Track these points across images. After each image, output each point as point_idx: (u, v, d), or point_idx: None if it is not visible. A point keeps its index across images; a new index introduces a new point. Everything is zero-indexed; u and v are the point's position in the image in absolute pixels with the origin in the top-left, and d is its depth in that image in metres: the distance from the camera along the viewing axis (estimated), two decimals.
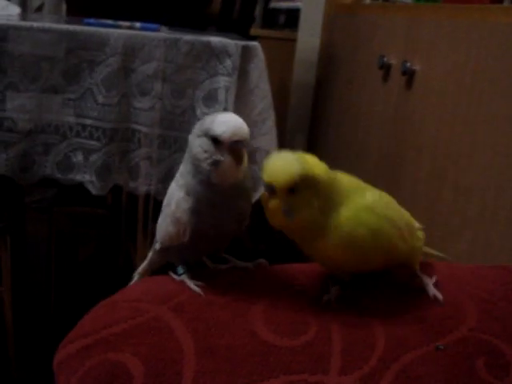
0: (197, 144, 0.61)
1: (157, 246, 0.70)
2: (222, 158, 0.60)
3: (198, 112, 1.29)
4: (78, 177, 1.28)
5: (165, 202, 0.67)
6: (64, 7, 2.26)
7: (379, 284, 0.67)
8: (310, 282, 0.67)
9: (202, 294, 0.63)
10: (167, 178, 1.32)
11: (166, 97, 1.29)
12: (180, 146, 1.31)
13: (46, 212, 1.84)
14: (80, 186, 1.30)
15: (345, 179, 0.63)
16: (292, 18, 2.49)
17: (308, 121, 2.30)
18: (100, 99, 1.26)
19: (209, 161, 0.60)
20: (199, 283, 0.64)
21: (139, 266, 0.75)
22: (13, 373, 1.49)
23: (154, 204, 1.44)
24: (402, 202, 0.65)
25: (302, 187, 0.57)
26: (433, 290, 0.64)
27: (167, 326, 0.57)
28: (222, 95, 1.29)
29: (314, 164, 0.59)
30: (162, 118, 1.29)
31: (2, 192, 1.46)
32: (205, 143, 0.60)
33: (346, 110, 1.94)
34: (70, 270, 1.91)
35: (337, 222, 0.59)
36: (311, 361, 0.54)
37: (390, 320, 0.60)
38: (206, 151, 0.60)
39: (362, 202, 0.60)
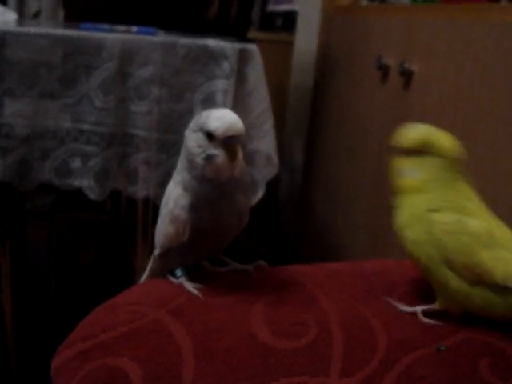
0: (192, 138, 0.61)
1: (156, 251, 0.70)
2: (215, 153, 0.60)
3: (196, 115, 1.29)
4: (77, 182, 1.28)
5: (163, 203, 0.67)
6: (61, 13, 2.26)
7: (381, 286, 0.67)
8: (310, 283, 0.66)
9: (200, 296, 0.62)
10: (166, 182, 1.30)
11: (163, 100, 1.28)
12: (178, 149, 1.30)
13: (46, 218, 1.83)
14: (79, 191, 1.29)
15: (470, 191, 0.64)
16: (289, 20, 2.49)
17: (306, 123, 2.30)
18: (97, 104, 1.25)
19: (203, 155, 0.60)
20: (198, 286, 0.64)
21: (139, 270, 0.74)
22: (14, 379, 1.48)
23: (153, 208, 1.44)
24: None
25: (425, 152, 0.62)
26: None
27: (166, 330, 0.56)
28: (219, 98, 1.28)
29: (443, 137, 0.63)
30: (160, 121, 1.29)
31: (1, 198, 1.46)
32: (199, 138, 0.60)
33: (344, 112, 1.94)
34: (71, 276, 1.91)
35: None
36: (312, 363, 0.54)
37: (392, 321, 0.60)
38: (200, 146, 0.60)
39: (431, 210, 0.61)
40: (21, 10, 2.16)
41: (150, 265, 0.72)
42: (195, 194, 0.62)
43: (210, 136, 0.60)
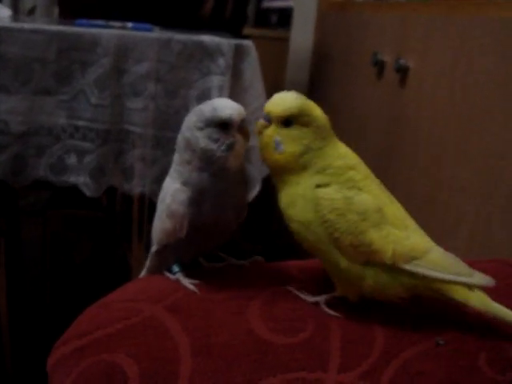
0: (201, 136, 0.60)
1: (153, 248, 0.69)
2: (234, 140, 0.60)
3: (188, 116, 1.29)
4: (72, 179, 1.27)
5: (160, 199, 0.66)
6: (56, 10, 2.25)
7: None
8: (307, 278, 0.66)
9: (197, 291, 0.62)
10: (162, 178, 1.30)
11: (159, 97, 1.28)
12: (174, 145, 1.30)
13: (41, 215, 1.83)
14: (74, 188, 1.29)
15: (350, 153, 0.62)
16: (284, 17, 2.49)
17: None
18: (93, 100, 1.25)
19: (223, 147, 0.60)
20: (194, 281, 0.63)
21: (135, 267, 0.74)
22: (10, 376, 1.48)
23: (149, 205, 1.44)
24: (397, 199, 0.63)
25: (297, 122, 0.58)
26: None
27: (162, 326, 0.56)
28: (215, 94, 1.28)
29: (314, 106, 0.60)
30: (156, 118, 1.29)
31: None
32: (212, 132, 0.60)
33: (340, 108, 1.93)
34: (66, 273, 1.90)
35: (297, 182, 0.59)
36: (310, 359, 0.54)
37: (390, 317, 0.60)
38: (216, 140, 0.60)
39: (314, 185, 0.58)
40: (16, 6, 2.15)
41: (147, 262, 0.72)
42: (198, 188, 0.61)
43: (224, 126, 0.59)
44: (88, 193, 1.28)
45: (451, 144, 1.22)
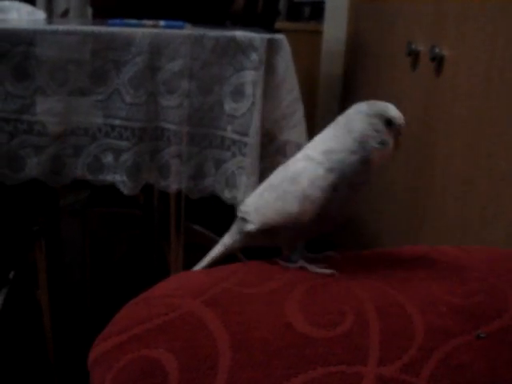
0: (366, 121, 0.65)
1: (250, 226, 0.70)
2: (389, 140, 0.65)
3: (226, 107, 1.29)
4: (109, 177, 1.29)
5: (281, 179, 0.68)
6: (90, 11, 2.27)
7: (417, 273, 0.66)
8: (344, 271, 0.66)
9: (335, 273, 0.65)
10: (198, 175, 1.32)
11: (193, 94, 1.28)
12: (209, 142, 1.31)
13: (80, 214, 1.85)
14: (112, 186, 1.30)
15: None
16: (317, 10, 2.47)
17: (337, 112, 2.28)
18: (128, 99, 1.26)
19: (377, 139, 0.64)
20: (323, 266, 0.66)
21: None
22: (53, 373, 1.50)
23: (186, 201, 1.44)
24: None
25: None
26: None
27: (201, 321, 0.56)
28: (249, 89, 1.28)
29: None
30: (190, 115, 1.29)
31: (36, 196, 1.47)
32: (377, 123, 0.65)
33: (375, 99, 1.92)
34: (105, 270, 1.93)
35: None
36: (349, 352, 0.53)
37: (429, 309, 0.59)
38: (377, 130, 0.64)
39: None
40: (49, 9, 2.18)
41: (224, 241, 0.73)
42: (344, 176, 0.64)
43: (389, 123, 0.65)
44: (125, 191, 1.29)
45: (488, 132, 1.20)
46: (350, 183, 0.64)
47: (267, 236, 0.69)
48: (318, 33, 2.29)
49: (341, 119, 0.67)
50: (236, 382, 0.50)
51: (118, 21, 1.36)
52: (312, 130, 1.83)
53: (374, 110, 0.65)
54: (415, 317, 0.57)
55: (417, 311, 0.58)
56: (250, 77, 1.27)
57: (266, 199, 0.68)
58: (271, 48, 1.28)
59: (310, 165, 0.65)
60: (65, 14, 2.30)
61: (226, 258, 0.70)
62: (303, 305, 0.59)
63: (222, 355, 0.52)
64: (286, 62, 1.30)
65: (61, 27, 1.24)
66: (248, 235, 0.70)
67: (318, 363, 0.52)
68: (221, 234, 0.74)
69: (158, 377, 0.51)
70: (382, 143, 0.64)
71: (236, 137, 1.29)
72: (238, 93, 1.28)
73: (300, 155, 0.68)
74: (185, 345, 0.53)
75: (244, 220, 0.70)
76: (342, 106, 2.26)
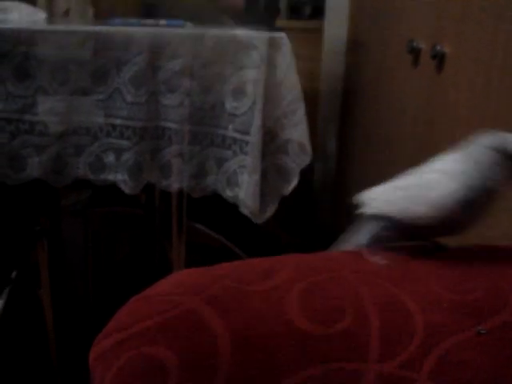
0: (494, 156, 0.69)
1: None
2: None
3: (227, 106, 1.29)
4: (111, 177, 1.29)
5: (416, 179, 0.75)
6: (91, 10, 2.27)
7: (418, 268, 0.66)
8: (345, 268, 0.66)
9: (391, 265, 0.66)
10: (199, 173, 1.32)
11: (194, 93, 1.28)
12: (211, 141, 1.31)
13: (81, 214, 1.85)
14: (113, 186, 1.30)
15: None
16: (317, 8, 2.47)
17: (339, 110, 2.28)
18: (128, 98, 1.26)
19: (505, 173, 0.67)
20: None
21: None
22: (55, 371, 1.50)
23: (188, 200, 1.44)
24: None
25: None
26: None
27: (201, 318, 0.56)
28: (250, 88, 1.28)
29: None
30: (192, 114, 1.29)
31: (38, 196, 1.48)
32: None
33: (377, 97, 1.92)
34: (107, 270, 1.93)
35: None
36: (349, 349, 0.53)
37: (429, 305, 0.59)
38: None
39: None
40: (50, 8, 2.17)
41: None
42: (471, 199, 0.67)
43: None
44: (126, 190, 1.29)
45: (489, 129, 1.20)
46: (473, 204, 0.67)
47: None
48: (319, 31, 2.29)
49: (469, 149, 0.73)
50: (236, 379, 0.50)
51: (118, 20, 1.36)
52: (313, 128, 1.84)
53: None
54: (415, 313, 0.57)
55: (417, 308, 0.58)
56: (252, 75, 1.27)
57: (399, 189, 0.74)
58: (272, 46, 1.28)
59: (445, 176, 0.72)
60: (66, 13, 2.30)
61: (226, 256, 0.70)
62: (303, 302, 0.59)
63: (222, 353, 0.52)
64: (286, 60, 1.30)
65: (61, 27, 1.24)
66: (371, 224, 0.75)
67: (318, 360, 0.52)
68: (223, 233, 0.74)
69: (159, 374, 0.51)
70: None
71: (237, 135, 1.29)
72: (238, 91, 1.28)
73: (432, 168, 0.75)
74: (185, 342, 0.53)
75: (375, 217, 0.75)
76: (344, 105, 2.26)
